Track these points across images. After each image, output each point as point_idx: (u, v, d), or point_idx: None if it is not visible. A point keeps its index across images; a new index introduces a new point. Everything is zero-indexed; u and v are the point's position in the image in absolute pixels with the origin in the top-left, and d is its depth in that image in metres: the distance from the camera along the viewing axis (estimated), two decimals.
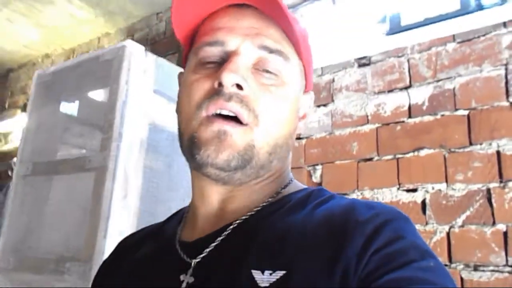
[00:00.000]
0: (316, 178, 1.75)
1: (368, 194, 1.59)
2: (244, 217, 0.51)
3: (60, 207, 1.58)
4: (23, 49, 3.39)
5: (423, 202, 1.47)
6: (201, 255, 0.49)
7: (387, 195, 1.55)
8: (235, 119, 0.48)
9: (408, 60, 1.62)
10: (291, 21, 0.50)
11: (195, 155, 0.48)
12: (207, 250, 0.49)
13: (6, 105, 3.55)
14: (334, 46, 1.80)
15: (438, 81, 1.53)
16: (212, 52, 0.51)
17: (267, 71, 0.51)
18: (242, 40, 0.50)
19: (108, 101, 1.44)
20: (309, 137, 1.81)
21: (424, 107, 1.54)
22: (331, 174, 1.71)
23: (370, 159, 1.62)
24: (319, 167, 1.75)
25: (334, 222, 0.46)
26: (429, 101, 1.54)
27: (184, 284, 0.48)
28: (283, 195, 0.54)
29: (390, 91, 1.64)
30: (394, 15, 1.67)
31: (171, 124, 1.52)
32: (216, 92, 0.48)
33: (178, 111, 0.55)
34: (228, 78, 0.47)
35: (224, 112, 0.48)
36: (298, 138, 1.84)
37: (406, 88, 1.60)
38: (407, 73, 1.61)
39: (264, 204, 0.53)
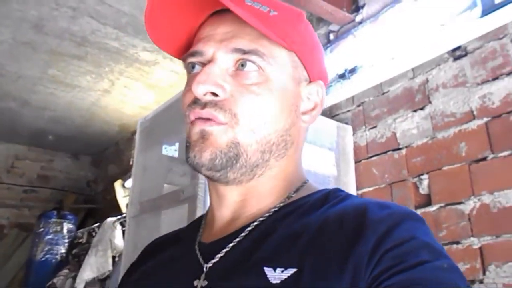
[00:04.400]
0: (423, 189, 1.56)
1: (488, 199, 1.36)
2: (260, 219, 0.52)
3: None
4: (142, 111, 3.80)
5: None
6: (214, 260, 0.50)
7: None
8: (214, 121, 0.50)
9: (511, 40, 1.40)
10: (256, 19, 0.49)
11: (187, 157, 0.51)
12: (223, 251, 0.50)
13: (131, 163, 3.98)
14: (423, 45, 1.65)
15: None
16: (195, 62, 0.54)
17: (247, 71, 0.51)
18: (217, 47, 0.52)
19: None
20: (409, 146, 1.64)
21: None
22: (440, 183, 1.51)
23: (484, 159, 1.40)
24: (425, 177, 1.56)
25: (347, 221, 0.46)
26: None
27: None
28: (297, 197, 0.54)
29: (495, 78, 1.42)
30: None
31: None
32: (194, 102, 0.51)
33: None
34: (198, 89, 0.49)
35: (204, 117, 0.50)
36: (397, 149, 1.68)
37: None
38: None
39: (280, 205, 0.53)
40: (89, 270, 3.03)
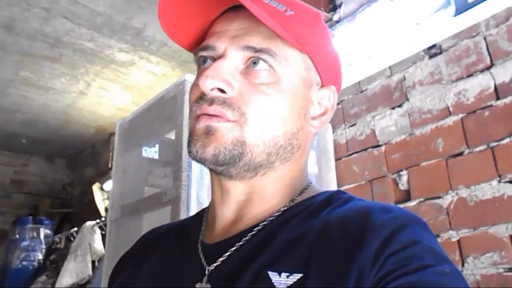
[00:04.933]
0: (403, 185, 1.59)
1: (465, 193, 1.40)
2: (264, 223, 0.51)
3: None
4: (119, 112, 3.75)
5: None
6: (216, 263, 0.49)
7: (487, 191, 1.34)
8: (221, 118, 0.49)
9: (484, 38, 1.44)
10: (271, 18, 0.48)
11: (189, 152, 0.50)
12: (225, 255, 0.49)
13: (109, 166, 3.92)
14: (399, 43, 1.68)
15: None
16: (206, 56, 0.53)
17: (257, 70, 0.50)
18: (229, 43, 0.50)
19: (176, 134, 1.49)
20: (388, 143, 1.68)
21: None
22: (418, 178, 1.55)
23: (460, 154, 1.44)
24: (404, 173, 1.60)
25: (351, 225, 0.46)
26: None
27: None
28: (301, 200, 0.54)
29: (470, 75, 1.46)
30: None
31: None
32: (201, 97, 0.50)
33: None
34: (206, 84, 0.48)
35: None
36: (377, 146, 1.71)
37: (488, 68, 1.42)
38: (485, 52, 1.43)
39: (284, 209, 0.52)
40: (68, 276, 2.97)
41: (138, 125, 1.80)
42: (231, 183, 0.53)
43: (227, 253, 0.49)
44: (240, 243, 0.49)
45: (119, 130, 1.87)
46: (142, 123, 1.77)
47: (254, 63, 0.50)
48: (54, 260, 3.38)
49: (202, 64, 0.53)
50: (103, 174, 4.03)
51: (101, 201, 3.68)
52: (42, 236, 3.69)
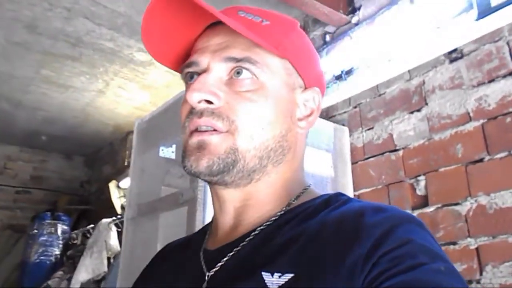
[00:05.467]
0: (420, 190, 1.57)
1: (484, 200, 1.37)
2: (261, 227, 0.52)
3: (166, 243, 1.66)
4: (136, 111, 3.79)
5: None
6: (215, 269, 0.51)
7: (508, 199, 1.32)
8: (213, 131, 0.51)
9: (507, 43, 1.42)
10: (248, 30, 0.50)
11: (184, 167, 0.52)
12: (223, 260, 0.51)
13: (126, 164, 3.96)
14: (419, 46, 1.66)
15: None
16: (191, 71, 0.55)
17: (241, 79, 0.52)
18: (211, 57, 0.53)
19: None
20: (406, 147, 1.66)
21: None
22: (436, 184, 1.53)
23: (480, 160, 1.41)
24: (422, 178, 1.58)
25: (344, 226, 0.46)
26: None
27: None
28: (298, 204, 0.55)
29: (491, 81, 1.44)
30: None
31: None
32: (191, 111, 0.53)
33: None
34: (193, 97, 0.51)
35: (203, 128, 0.51)
36: (394, 151, 1.70)
37: (511, 73, 1.39)
38: (508, 57, 1.41)
39: (280, 213, 0.54)
40: (84, 272, 3.02)
41: (156, 125, 1.81)
42: (227, 191, 0.55)
43: (225, 258, 0.51)
44: (238, 248, 0.51)
45: (137, 130, 1.89)
46: (159, 123, 1.79)
47: (238, 73, 0.52)
48: (71, 256, 3.44)
49: (189, 80, 0.56)
50: (120, 172, 4.08)
51: (117, 199, 3.73)
52: (59, 232, 3.75)
